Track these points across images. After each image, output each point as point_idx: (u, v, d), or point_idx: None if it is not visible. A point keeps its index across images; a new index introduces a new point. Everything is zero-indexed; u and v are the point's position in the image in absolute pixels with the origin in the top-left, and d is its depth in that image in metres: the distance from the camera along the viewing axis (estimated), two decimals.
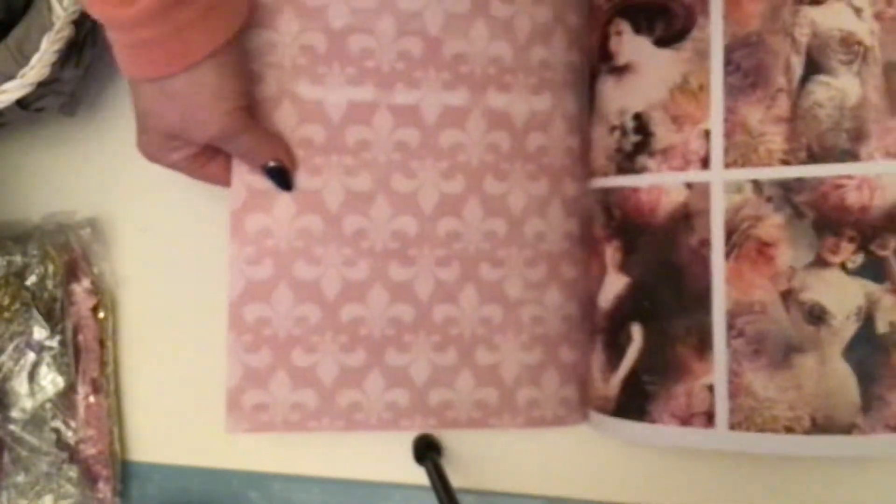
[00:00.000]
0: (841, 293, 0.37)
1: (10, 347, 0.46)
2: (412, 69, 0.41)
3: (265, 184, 0.40)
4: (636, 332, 0.41)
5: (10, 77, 0.39)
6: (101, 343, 0.48)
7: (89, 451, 0.47)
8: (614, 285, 0.42)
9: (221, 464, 0.48)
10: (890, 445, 0.36)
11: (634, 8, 0.41)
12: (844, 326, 0.37)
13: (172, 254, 0.48)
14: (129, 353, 0.49)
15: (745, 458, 0.41)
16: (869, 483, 0.41)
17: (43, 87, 0.40)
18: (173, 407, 0.48)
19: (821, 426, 0.37)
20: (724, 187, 0.38)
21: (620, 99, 0.42)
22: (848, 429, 0.36)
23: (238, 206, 0.40)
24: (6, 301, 0.46)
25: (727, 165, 0.38)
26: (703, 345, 0.39)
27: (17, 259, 0.47)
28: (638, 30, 0.41)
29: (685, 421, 0.39)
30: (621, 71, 0.42)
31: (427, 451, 0.44)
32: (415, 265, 0.42)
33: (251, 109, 0.39)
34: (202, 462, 0.48)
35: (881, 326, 0.36)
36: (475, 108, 0.42)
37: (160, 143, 0.38)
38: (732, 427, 0.38)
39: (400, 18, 0.41)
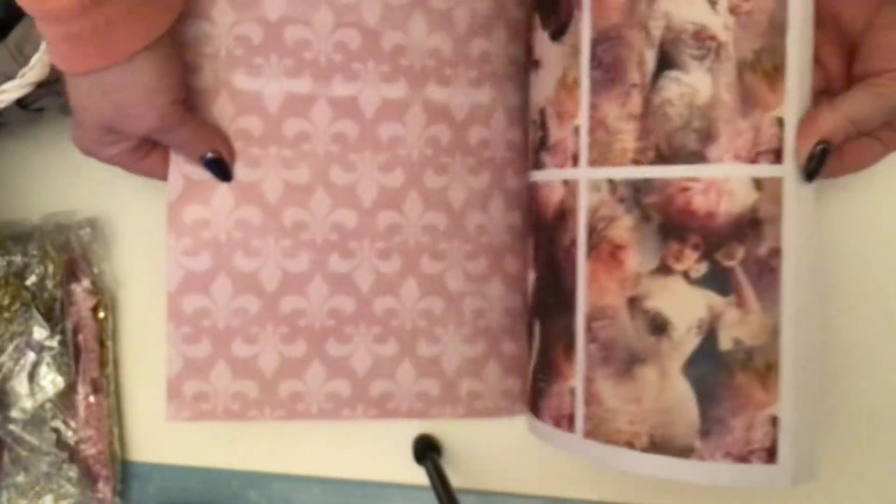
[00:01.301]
0: (683, 304, 0.34)
1: (10, 347, 0.46)
2: (350, 61, 0.41)
3: (203, 175, 0.40)
4: (536, 329, 0.41)
5: (10, 77, 0.39)
6: (101, 343, 0.48)
7: (89, 451, 0.47)
8: (530, 281, 0.42)
9: (221, 464, 0.48)
10: (729, 475, 0.33)
11: (541, 2, 0.41)
12: (685, 340, 0.34)
13: None
14: (129, 353, 0.49)
15: None
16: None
17: (43, 87, 0.40)
18: None
19: (658, 445, 0.34)
20: (587, 186, 0.37)
21: (534, 94, 0.41)
22: (685, 452, 0.34)
23: (175, 197, 0.40)
24: (6, 301, 0.46)
25: (590, 163, 0.37)
26: (569, 348, 0.38)
27: (17, 259, 0.47)
28: (543, 24, 0.40)
29: (557, 422, 0.38)
30: (535, 65, 0.41)
31: (427, 451, 0.44)
32: (355, 258, 0.42)
33: (188, 102, 0.39)
34: (202, 462, 0.48)
35: (724, 343, 0.34)
36: (414, 101, 0.42)
37: (97, 138, 0.37)
38: (587, 435, 0.37)
39: (337, 10, 0.41)
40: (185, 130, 0.38)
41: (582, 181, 0.37)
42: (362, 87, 0.41)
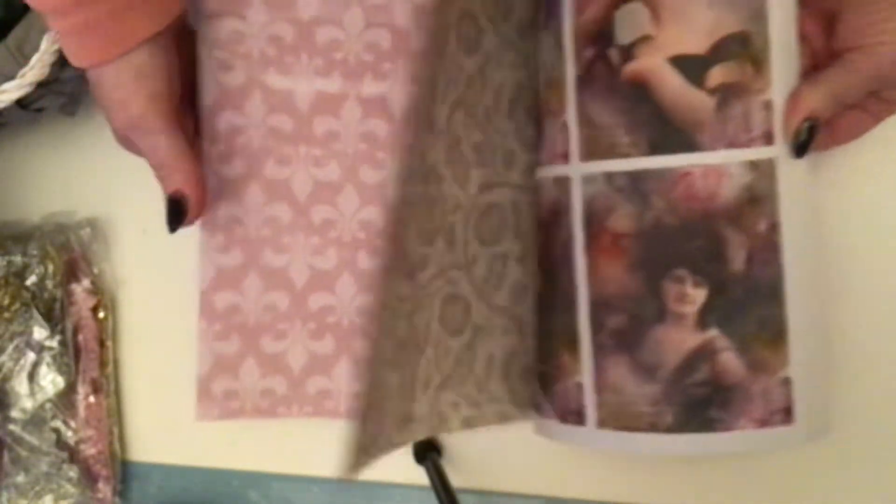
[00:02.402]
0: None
1: (10, 347, 0.46)
2: (284, 55, 0.41)
3: (234, 171, 0.41)
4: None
5: (10, 77, 0.39)
6: (101, 343, 0.48)
7: (89, 451, 0.47)
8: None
9: (221, 464, 0.48)
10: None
11: None
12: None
13: (172, 254, 0.48)
14: (129, 353, 0.49)
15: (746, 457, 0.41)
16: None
17: (43, 87, 0.40)
18: (173, 407, 0.48)
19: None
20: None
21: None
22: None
23: (208, 195, 0.40)
24: (6, 301, 0.46)
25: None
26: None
27: (17, 259, 0.47)
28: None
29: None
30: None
31: (427, 451, 0.44)
32: (288, 252, 0.42)
33: (184, 118, 0.38)
34: (202, 462, 0.48)
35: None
36: (349, 95, 0.42)
37: (117, 136, 0.37)
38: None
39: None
40: (162, 139, 0.36)
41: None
42: (296, 81, 0.41)
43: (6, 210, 0.50)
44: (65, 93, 0.45)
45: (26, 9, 0.40)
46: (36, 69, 0.39)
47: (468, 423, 0.41)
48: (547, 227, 0.39)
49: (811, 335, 0.35)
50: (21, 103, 0.41)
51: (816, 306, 0.36)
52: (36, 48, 0.39)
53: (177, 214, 0.37)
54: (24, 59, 0.39)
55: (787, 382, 0.35)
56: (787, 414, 0.35)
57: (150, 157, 0.37)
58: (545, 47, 0.39)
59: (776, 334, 0.35)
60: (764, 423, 0.35)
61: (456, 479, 0.43)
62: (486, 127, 0.41)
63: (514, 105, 0.42)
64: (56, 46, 0.39)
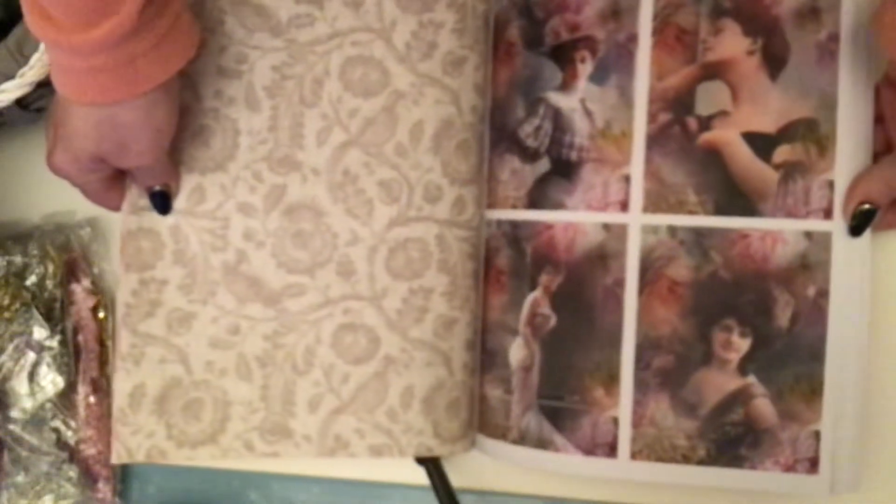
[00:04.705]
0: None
1: (10, 347, 0.46)
2: None
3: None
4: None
5: (10, 77, 0.39)
6: (101, 343, 0.48)
7: (89, 451, 0.47)
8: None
9: (221, 464, 0.48)
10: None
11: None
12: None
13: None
14: None
15: None
16: None
17: (43, 87, 0.40)
18: None
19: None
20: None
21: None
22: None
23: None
24: (6, 301, 0.46)
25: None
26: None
27: (17, 259, 0.47)
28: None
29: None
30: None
31: None
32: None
33: None
34: (202, 462, 0.48)
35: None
36: None
37: (82, 165, 0.38)
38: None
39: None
40: (158, 166, 0.40)
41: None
42: None
43: (6, 210, 0.50)
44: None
45: None
46: (36, 69, 0.39)
47: (376, 452, 0.42)
48: (579, 267, 0.40)
49: (847, 396, 0.38)
50: (21, 103, 0.41)
51: (856, 370, 0.39)
52: (36, 48, 0.39)
53: (164, 203, 0.42)
54: (24, 59, 0.39)
55: (815, 435, 0.38)
56: (812, 464, 0.38)
57: (139, 176, 0.41)
58: (596, 99, 0.40)
59: (811, 390, 0.38)
60: (789, 468, 0.38)
61: (456, 479, 0.43)
62: (399, 163, 0.42)
63: (440, 141, 0.42)
64: None
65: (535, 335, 0.41)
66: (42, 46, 0.39)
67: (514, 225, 0.42)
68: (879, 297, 0.41)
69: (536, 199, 0.41)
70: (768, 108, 0.39)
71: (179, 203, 0.42)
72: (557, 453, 0.40)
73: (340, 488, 0.47)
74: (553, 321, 0.41)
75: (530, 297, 0.41)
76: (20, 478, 0.46)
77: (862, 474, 0.39)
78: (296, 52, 0.42)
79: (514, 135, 0.42)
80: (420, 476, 0.43)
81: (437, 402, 0.42)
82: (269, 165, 0.42)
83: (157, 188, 0.41)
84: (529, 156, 0.42)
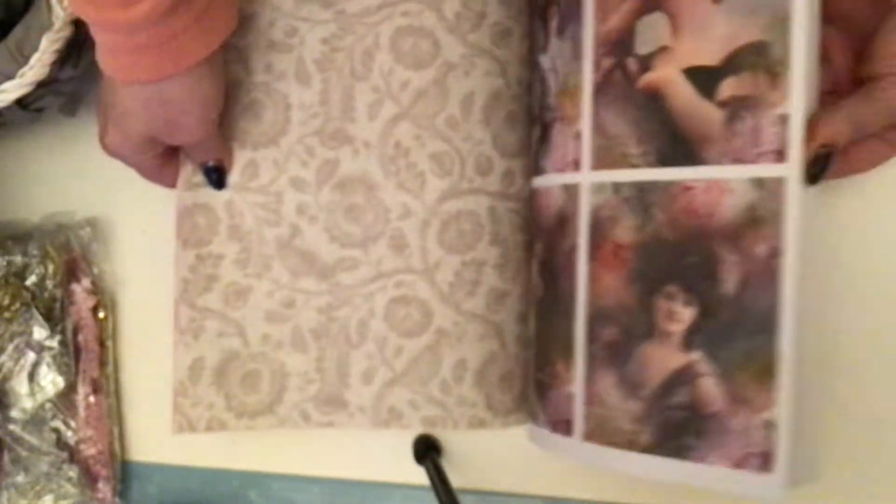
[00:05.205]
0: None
1: (10, 347, 0.46)
2: None
3: None
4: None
5: (10, 77, 0.39)
6: (101, 343, 0.48)
7: (89, 451, 0.47)
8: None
9: (221, 464, 0.48)
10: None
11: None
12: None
13: (172, 254, 0.48)
14: (129, 353, 0.49)
15: None
16: None
17: (43, 87, 0.40)
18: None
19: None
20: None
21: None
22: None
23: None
24: (6, 301, 0.46)
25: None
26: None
27: (17, 259, 0.47)
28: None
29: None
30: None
31: (427, 451, 0.44)
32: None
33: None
34: (202, 462, 0.48)
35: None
36: None
37: (135, 145, 0.38)
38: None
39: None
40: (210, 142, 0.40)
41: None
42: None
43: (6, 210, 0.50)
44: (65, 93, 0.45)
45: (26, 9, 0.40)
46: (36, 69, 0.39)
47: (430, 423, 0.42)
48: (551, 233, 0.39)
49: (804, 376, 0.32)
50: (21, 103, 0.41)
51: (813, 345, 0.33)
52: (36, 48, 0.39)
53: (219, 177, 0.42)
54: (24, 59, 0.39)
55: (769, 426, 0.32)
56: (765, 460, 0.32)
57: (192, 153, 0.41)
58: (558, 54, 0.38)
59: (763, 369, 0.32)
60: (739, 464, 0.33)
61: (456, 479, 0.43)
62: (451, 136, 0.41)
63: (490, 113, 0.42)
64: (56, 46, 0.39)
65: (533, 305, 0.41)
66: (42, 46, 0.39)
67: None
68: (839, 257, 0.37)
69: (534, 167, 0.41)
70: (712, 35, 0.33)
71: (233, 178, 0.42)
72: (538, 427, 0.40)
73: (340, 488, 0.47)
74: (540, 290, 0.40)
75: (534, 269, 0.41)
76: (20, 478, 0.46)
77: (821, 463, 0.34)
78: (345, 24, 0.41)
79: (528, 106, 0.42)
80: (420, 476, 0.43)
81: (490, 375, 0.42)
82: (320, 140, 0.42)
83: (212, 163, 0.41)
84: (531, 123, 0.42)
